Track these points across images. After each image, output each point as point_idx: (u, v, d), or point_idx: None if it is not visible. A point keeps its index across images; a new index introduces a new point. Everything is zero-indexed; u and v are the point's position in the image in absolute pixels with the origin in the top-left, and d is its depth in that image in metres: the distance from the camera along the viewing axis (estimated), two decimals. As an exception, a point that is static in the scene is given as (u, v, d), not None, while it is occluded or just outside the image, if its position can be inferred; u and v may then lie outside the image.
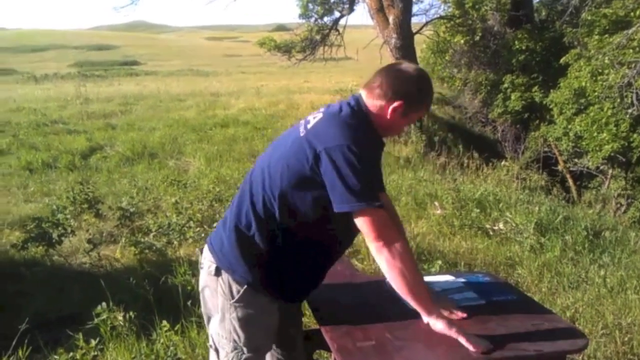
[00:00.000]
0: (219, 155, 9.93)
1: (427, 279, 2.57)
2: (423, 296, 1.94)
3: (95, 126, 13.24)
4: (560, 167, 14.04)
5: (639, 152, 10.72)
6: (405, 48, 13.37)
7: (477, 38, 16.44)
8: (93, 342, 2.93)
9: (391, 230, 1.89)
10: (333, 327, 2.07)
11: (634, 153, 10.82)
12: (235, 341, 2.05)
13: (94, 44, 62.77)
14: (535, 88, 14.62)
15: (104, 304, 3.44)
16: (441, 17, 16.60)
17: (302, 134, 1.95)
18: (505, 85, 15.31)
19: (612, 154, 11.17)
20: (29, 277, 4.52)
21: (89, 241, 4.85)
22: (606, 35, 11.13)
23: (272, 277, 2.03)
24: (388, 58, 14.21)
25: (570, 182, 13.81)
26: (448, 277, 2.58)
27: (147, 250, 4.88)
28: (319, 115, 2.01)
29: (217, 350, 2.12)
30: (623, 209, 11.95)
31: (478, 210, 6.03)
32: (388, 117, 1.98)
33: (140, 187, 7.09)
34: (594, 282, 4.50)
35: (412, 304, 1.94)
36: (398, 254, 1.87)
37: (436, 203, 6.49)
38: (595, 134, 11.09)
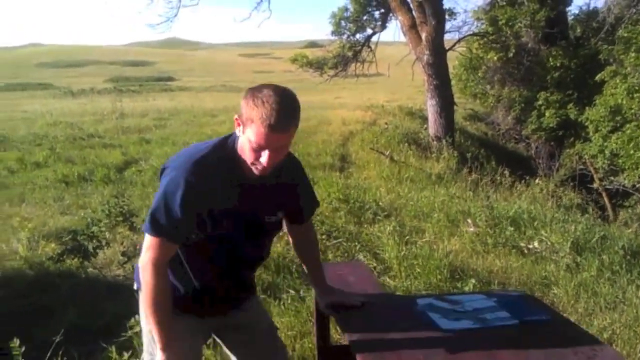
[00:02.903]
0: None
1: (458, 297, 2.55)
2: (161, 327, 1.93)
3: (130, 140, 13.48)
4: (595, 185, 13.79)
5: (677, 171, 10.49)
6: (438, 65, 13.33)
7: (511, 55, 16.35)
8: (126, 355, 2.95)
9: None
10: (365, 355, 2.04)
11: (672, 172, 10.60)
12: (151, 354, 2.06)
13: (129, 59, 64.09)
14: (570, 105, 14.46)
15: (137, 316, 3.46)
16: (474, 34, 16.53)
17: None
18: (540, 102, 15.18)
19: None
20: (64, 288, 4.60)
21: (123, 254, 4.91)
22: (643, 52, 10.97)
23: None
24: (420, 74, 14.21)
25: (606, 200, 13.54)
26: (480, 296, 2.54)
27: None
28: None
29: None
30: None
31: (512, 229, 5.94)
32: (236, 133, 1.92)
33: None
34: (631, 303, 4.39)
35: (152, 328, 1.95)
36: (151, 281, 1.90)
37: (469, 220, 6.41)
38: (631, 151, 10.90)
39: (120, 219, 5.89)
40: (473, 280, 4.45)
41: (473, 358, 1.96)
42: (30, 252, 5.33)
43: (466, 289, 4.29)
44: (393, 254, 5.06)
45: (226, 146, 1.93)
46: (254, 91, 1.81)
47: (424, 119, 16.77)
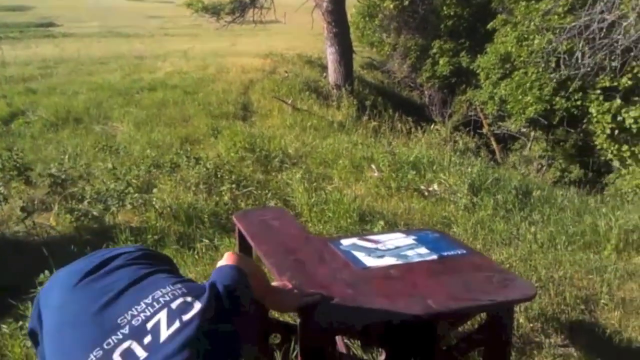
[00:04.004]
0: (149, 120, 9.67)
1: (378, 237, 2.66)
2: None
3: (14, 90, 12.56)
4: (485, 130, 14.54)
5: (560, 114, 11.23)
6: (337, 12, 13.31)
7: (406, 3, 16.60)
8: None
9: None
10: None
11: (556, 115, 11.34)
12: None
13: (7, 4, 59.01)
14: (463, 53, 15.00)
15: (46, 272, 3.34)
16: (371, -19, 16.62)
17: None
18: (434, 50, 15.64)
19: (535, 117, 11.66)
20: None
21: (22, 209, 4.66)
22: (532, 2, 11.49)
23: None
24: (319, 22, 14.15)
25: (494, 144, 14.35)
26: (398, 235, 2.66)
27: (83, 218, 4.74)
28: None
29: None
30: (544, 169, 12.58)
31: (414, 172, 6.18)
32: None
33: (70, 154, 6.82)
34: (525, 239, 4.74)
35: None
36: None
37: (373, 166, 6.60)
38: (519, 97, 11.53)
39: (15, 173, 5.58)
40: (382, 222, 4.62)
41: (399, 290, 2.06)
42: None
43: (375, 230, 4.46)
44: (304, 200, 5.14)
45: None
46: None
47: (323, 68, 16.79)
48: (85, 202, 5.12)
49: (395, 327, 2.06)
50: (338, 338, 2.63)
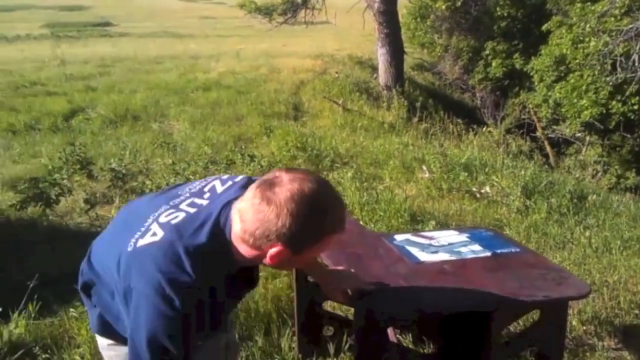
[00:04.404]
0: (204, 119, 9.91)
1: (432, 233, 2.71)
2: None
3: (74, 88, 13.05)
4: (538, 134, 14.30)
5: (617, 119, 10.98)
6: (389, 13, 13.33)
7: (459, 4, 16.45)
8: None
9: None
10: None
11: (612, 119, 11.09)
12: None
13: (65, 4, 61.09)
14: (516, 55, 14.79)
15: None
16: (424, -18, 16.56)
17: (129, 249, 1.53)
18: (487, 51, 15.47)
19: (591, 121, 11.42)
20: (28, 236, 4.56)
21: (86, 201, 4.88)
22: (588, 3, 11.27)
23: None
24: (370, 22, 14.19)
25: (548, 148, 14.09)
26: (452, 232, 2.71)
27: (144, 211, 4.92)
28: (159, 233, 1.53)
29: None
30: (599, 175, 12.29)
31: (465, 174, 6.17)
32: (270, 262, 1.48)
33: (130, 149, 7.08)
34: (579, 243, 4.69)
35: None
36: None
37: (424, 167, 6.62)
38: (574, 100, 11.33)
39: (78, 167, 5.82)
40: (433, 222, 4.65)
41: (453, 284, 2.11)
42: (-13, 201, 5.23)
43: (427, 229, 4.48)
44: (355, 198, 5.21)
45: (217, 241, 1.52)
46: (297, 209, 1.38)
47: (374, 69, 16.82)
48: (144, 196, 5.32)
49: (448, 321, 2.11)
50: (390, 331, 2.68)
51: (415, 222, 4.81)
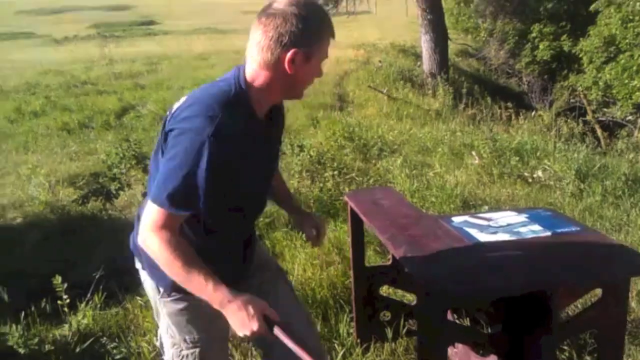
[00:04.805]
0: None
1: (490, 215, 2.71)
2: (199, 284, 1.60)
3: (124, 86, 13.42)
4: (588, 117, 13.95)
5: (671, 99, 10.65)
6: (432, -2, 13.19)
7: (503, -14, 16.20)
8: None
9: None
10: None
11: (667, 100, 10.77)
12: (172, 337, 1.92)
13: (110, 4, 62.50)
14: (564, 37, 14.45)
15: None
16: (467, -34, 16.31)
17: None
18: (534, 34, 15.16)
19: (643, 102, 11.11)
20: (91, 229, 4.74)
21: (144, 194, 5.02)
22: (639, -19, 10.95)
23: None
24: (413, 8, 14.09)
25: (599, 131, 13.73)
26: (510, 213, 2.70)
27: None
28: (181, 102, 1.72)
29: (162, 346, 2.00)
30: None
31: (517, 159, 6.11)
32: (290, 72, 1.64)
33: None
34: (636, 225, 4.60)
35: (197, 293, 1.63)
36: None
37: (473, 153, 6.57)
38: (626, 81, 11.01)
39: (134, 162, 5.98)
40: (486, 207, 4.63)
41: (514, 264, 2.12)
42: (51, 197, 5.43)
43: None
44: (406, 186, 5.22)
45: (234, 85, 1.69)
46: (299, 10, 1.59)
47: (417, 57, 16.70)
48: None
49: (508, 301, 2.12)
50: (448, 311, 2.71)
51: (468, 207, 4.80)
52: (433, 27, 13.35)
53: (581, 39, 13.07)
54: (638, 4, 10.21)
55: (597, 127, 13.84)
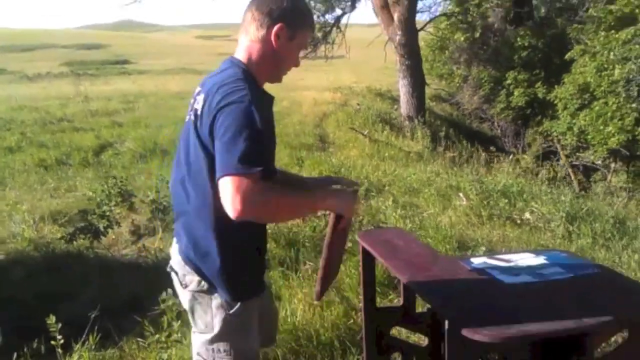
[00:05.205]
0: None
1: (508, 256, 2.68)
2: (304, 198, 1.90)
3: (101, 124, 13.26)
4: (562, 162, 14.25)
5: (644, 145, 10.95)
6: (410, 45, 13.48)
7: (477, 35, 16.62)
8: (176, 325, 2.99)
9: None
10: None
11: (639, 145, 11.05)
12: (225, 350, 1.98)
13: (83, 43, 62.51)
14: (538, 84, 14.83)
15: (169, 290, 3.51)
16: (443, 14, 16.75)
17: (191, 119, 1.87)
18: (509, 81, 15.51)
19: (617, 147, 11.38)
20: (77, 268, 4.58)
21: (133, 232, 4.91)
22: (612, 32, 11.34)
23: (245, 272, 1.96)
24: (392, 55, 14.36)
25: (572, 176, 14.02)
26: (528, 255, 2.68)
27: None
28: (201, 97, 1.86)
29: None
30: (624, 201, 12.17)
31: (506, 201, 6.14)
32: (275, 46, 1.87)
33: (167, 182, 7.11)
34: (629, 266, 4.63)
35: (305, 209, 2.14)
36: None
37: (461, 194, 6.60)
38: (601, 127, 11.30)
39: (120, 199, 5.87)
40: (483, 248, 4.61)
41: (545, 306, 2.08)
42: (35, 234, 5.26)
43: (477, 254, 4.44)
44: (400, 225, 5.19)
45: (238, 67, 1.89)
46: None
47: (394, 100, 16.97)
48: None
49: (542, 344, 2.07)
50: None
51: (464, 248, 4.78)
52: (411, 72, 13.62)
53: (556, 86, 13.44)
54: (612, 53, 10.57)
55: (570, 171, 14.14)
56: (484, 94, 16.98)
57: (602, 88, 11.23)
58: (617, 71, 10.71)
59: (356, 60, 33.12)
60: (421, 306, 3.10)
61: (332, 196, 1.96)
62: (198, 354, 2.01)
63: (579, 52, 12.63)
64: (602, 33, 11.49)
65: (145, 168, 9.02)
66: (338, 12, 16.81)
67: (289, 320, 3.45)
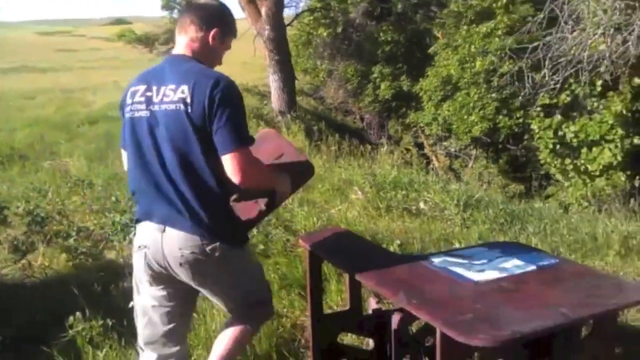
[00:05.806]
0: (100, 153, 9.29)
1: (462, 252, 2.64)
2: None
3: (-57, 131, 11.76)
4: (426, 150, 14.94)
5: (505, 132, 11.69)
6: (278, 40, 13.36)
7: (339, 30, 16.92)
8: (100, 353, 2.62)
9: None
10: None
11: (502, 132, 11.79)
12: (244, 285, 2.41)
13: None
14: (403, 77, 15.38)
15: (78, 313, 3.12)
16: (307, 10, 16.85)
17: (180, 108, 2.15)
18: (375, 75, 15.93)
19: (480, 135, 12.09)
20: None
21: (15, 250, 4.32)
22: (473, 25, 11.99)
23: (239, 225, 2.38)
24: (261, 49, 14.16)
25: (437, 163, 14.74)
26: (481, 249, 2.65)
27: (82, 256, 4.46)
28: (184, 87, 2.16)
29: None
30: (485, 186, 13.01)
31: (403, 192, 6.22)
32: (210, 44, 2.31)
33: (40, 190, 6.37)
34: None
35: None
36: None
37: (356, 188, 6.60)
38: (464, 117, 11.92)
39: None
40: (398, 241, 4.61)
41: (526, 302, 2.03)
42: None
43: (391, 249, 4.42)
44: (309, 223, 5.05)
45: (192, 60, 2.29)
46: (223, 8, 2.39)
47: (262, 95, 16.80)
48: (71, 240, 4.82)
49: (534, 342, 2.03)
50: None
51: (375, 241, 4.73)
52: (281, 67, 13.51)
53: (421, 79, 14.01)
54: (472, 46, 11.19)
55: (434, 159, 14.88)
56: (352, 88, 17.34)
57: (465, 80, 11.88)
58: (478, 63, 11.36)
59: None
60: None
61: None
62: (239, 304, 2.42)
63: (442, 46, 13.26)
64: (465, 27, 12.15)
65: (5, 176, 8.11)
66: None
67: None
